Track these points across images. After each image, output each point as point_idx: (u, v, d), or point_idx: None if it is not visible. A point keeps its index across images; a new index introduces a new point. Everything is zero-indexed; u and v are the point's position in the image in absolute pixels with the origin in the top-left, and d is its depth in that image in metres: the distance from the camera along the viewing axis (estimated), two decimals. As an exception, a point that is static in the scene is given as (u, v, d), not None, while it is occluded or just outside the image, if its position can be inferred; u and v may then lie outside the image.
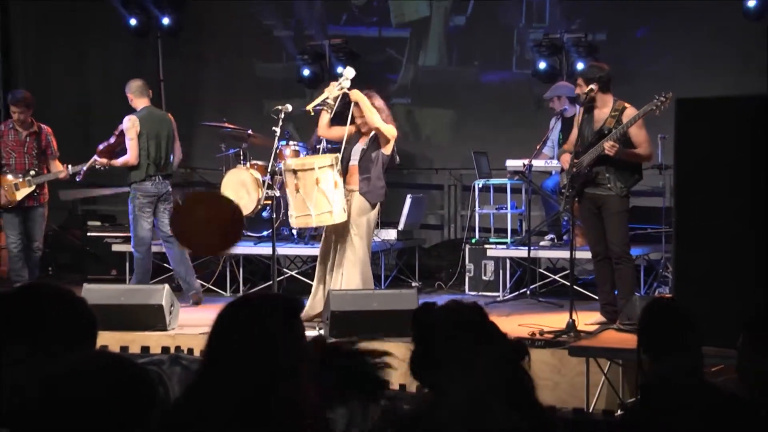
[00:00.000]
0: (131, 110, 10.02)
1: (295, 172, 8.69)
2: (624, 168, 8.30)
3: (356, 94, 8.69)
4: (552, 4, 12.79)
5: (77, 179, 10.38)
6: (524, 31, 12.89)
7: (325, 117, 8.89)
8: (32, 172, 10.20)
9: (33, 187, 10.20)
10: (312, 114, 8.98)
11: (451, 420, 2.77)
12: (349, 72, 8.78)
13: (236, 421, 2.67)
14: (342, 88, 8.73)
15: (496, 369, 2.89)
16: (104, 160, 10.07)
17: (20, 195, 10.17)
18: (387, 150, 8.76)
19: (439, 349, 2.99)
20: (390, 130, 8.69)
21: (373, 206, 8.82)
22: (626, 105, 8.35)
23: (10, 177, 10.19)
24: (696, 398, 3.66)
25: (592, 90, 8.28)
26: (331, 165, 8.62)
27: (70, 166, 10.24)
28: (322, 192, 8.58)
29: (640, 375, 4.22)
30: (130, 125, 9.96)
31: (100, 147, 10.08)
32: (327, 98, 8.77)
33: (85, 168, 10.09)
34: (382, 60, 13.30)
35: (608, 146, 8.12)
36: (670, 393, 3.73)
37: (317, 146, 11.15)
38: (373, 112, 8.63)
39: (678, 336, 4.03)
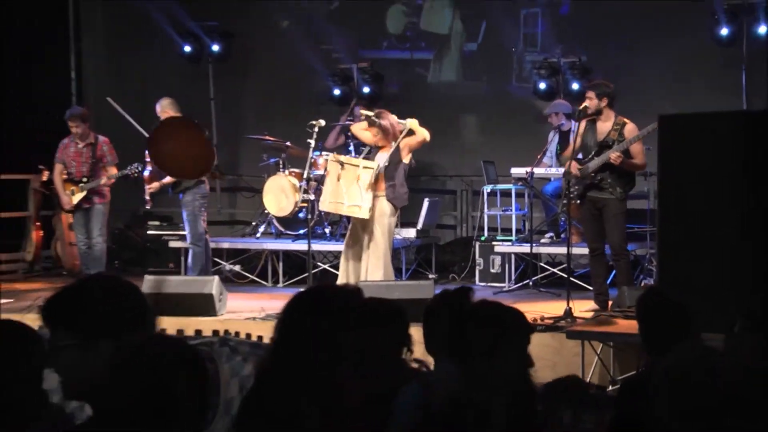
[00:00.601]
0: None
1: (342, 164, 8.73)
2: (622, 175, 8.29)
3: (413, 124, 8.72)
4: (543, 33, 12.75)
5: (147, 207, 10.40)
6: (521, 53, 12.87)
7: (364, 123, 8.91)
8: (85, 179, 10.21)
9: (85, 192, 10.20)
10: (362, 115, 9.14)
11: (491, 398, 2.68)
12: (412, 122, 8.76)
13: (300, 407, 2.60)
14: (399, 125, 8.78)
15: (520, 355, 2.83)
16: (156, 185, 10.02)
17: (75, 199, 10.22)
18: (406, 159, 8.79)
19: (475, 334, 2.92)
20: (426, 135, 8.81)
21: (397, 209, 8.84)
22: (626, 120, 8.32)
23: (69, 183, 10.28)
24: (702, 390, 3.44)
25: (600, 103, 8.24)
26: (372, 169, 8.64)
27: (107, 176, 10.23)
28: (359, 188, 8.61)
29: (643, 359, 4.15)
30: None
31: (146, 175, 10.06)
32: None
33: (147, 198, 10.10)
34: (411, 78, 13.30)
35: (615, 157, 8.12)
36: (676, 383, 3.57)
37: (349, 148, 11.16)
38: (424, 134, 8.73)
39: (677, 330, 3.95)
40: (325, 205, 8.98)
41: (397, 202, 8.80)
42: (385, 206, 8.74)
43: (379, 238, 8.72)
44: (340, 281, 8.84)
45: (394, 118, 8.86)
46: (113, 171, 10.34)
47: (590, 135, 8.37)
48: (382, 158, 8.81)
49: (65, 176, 10.29)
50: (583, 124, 8.44)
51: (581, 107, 8.37)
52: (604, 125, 8.32)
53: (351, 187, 8.64)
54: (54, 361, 2.58)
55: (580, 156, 8.39)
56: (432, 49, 13.32)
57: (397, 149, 8.74)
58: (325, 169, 9.16)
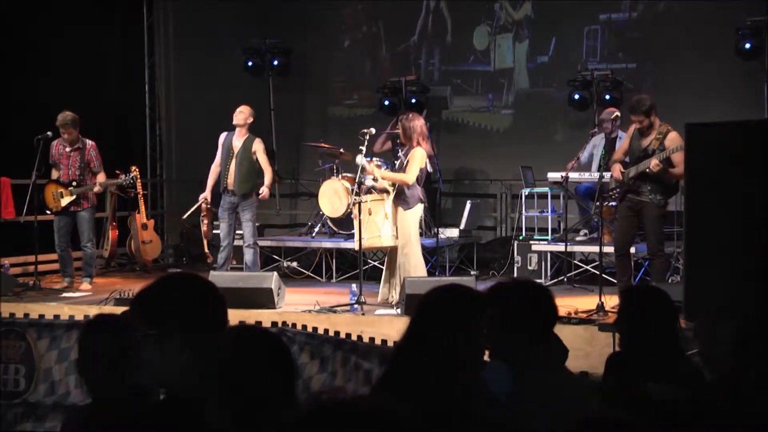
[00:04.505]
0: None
1: (359, 204, 8.62)
2: (662, 184, 8.10)
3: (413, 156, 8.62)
4: (585, 49, 12.63)
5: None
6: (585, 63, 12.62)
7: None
8: (74, 183, 9.75)
9: (74, 197, 9.74)
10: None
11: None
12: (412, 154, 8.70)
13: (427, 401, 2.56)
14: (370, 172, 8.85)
15: None
16: (266, 192, 9.84)
17: (64, 202, 9.75)
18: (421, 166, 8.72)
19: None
20: (407, 178, 8.56)
21: (413, 205, 8.69)
22: (669, 128, 8.11)
23: (56, 185, 9.79)
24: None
25: (650, 119, 8.04)
26: (381, 201, 8.59)
27: (98, 183, 9.87)
28: (374, 220, 8.55)
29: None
30: (263, 147, 9.89)
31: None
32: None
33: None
34: (495, 88, 13.17)
35: (654, 164, 7.93)
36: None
37: (398, 154, 11.13)
38: (406, 176, 8.55)
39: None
40: (357, 244, 8.89)
41: (405, 206, 8.64)
42: (398, 210, 8.67)
43: (408, 233, 8.61)
44: (383, 278, 8.84)
45: (420, 122, 8.79)
46: (101, 177, 9.91)
47: (636, 141, 8.21)
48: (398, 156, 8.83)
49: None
50: (631, 129, 8.27)
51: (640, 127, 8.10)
52: (649, 134, 8.14)
53: (367, 220, 8.56)
54: (138, 351, 2.62)
55: (627, 160, 8.26)
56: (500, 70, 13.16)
57: (402, 163, 8.67)
58: (374, 178, 9.10)
